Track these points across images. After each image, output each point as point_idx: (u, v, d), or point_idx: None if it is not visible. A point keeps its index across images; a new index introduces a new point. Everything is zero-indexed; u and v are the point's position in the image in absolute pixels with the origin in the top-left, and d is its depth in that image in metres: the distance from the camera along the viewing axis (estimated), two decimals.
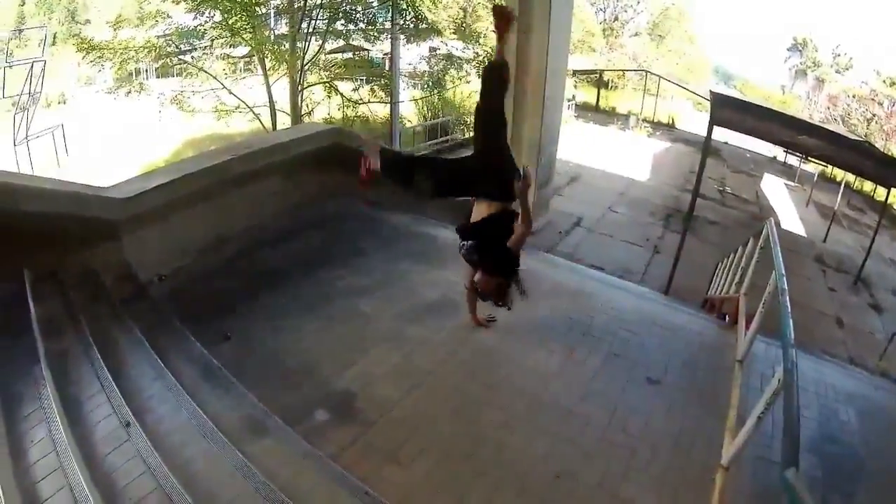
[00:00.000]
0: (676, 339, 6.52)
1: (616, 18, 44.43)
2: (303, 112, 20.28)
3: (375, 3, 21.59)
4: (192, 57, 21.04)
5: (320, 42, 20.63)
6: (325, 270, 7.15)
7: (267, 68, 19.89)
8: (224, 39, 20.02)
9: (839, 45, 45.42)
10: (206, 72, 19.94)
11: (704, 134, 11.23)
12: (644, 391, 5.51)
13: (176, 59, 20.52)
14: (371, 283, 6.94)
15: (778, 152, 24.96)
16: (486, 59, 22.06)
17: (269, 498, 3.61)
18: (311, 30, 20.05)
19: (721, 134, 14.74)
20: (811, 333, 10.85)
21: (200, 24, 19.51)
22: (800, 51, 48.28)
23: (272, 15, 23.30)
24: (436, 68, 24.32)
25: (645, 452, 4.68)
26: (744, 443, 3.89)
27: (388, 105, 21.88)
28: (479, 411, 5.05)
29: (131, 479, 3.66)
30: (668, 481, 4.42)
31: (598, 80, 31.58)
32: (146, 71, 25.74)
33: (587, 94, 30.57)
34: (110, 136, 25.07)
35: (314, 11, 19.88)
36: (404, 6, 20.81)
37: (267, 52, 19.63)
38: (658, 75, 28.75)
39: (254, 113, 19.90)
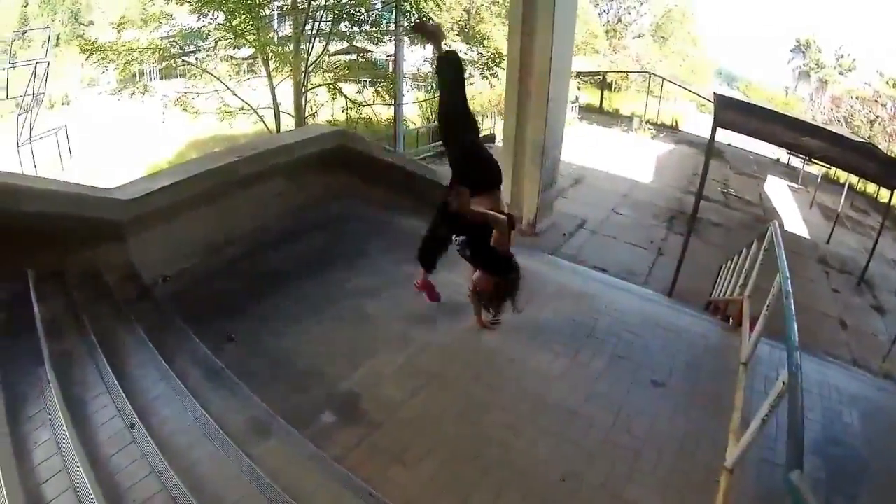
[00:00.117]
0: (680, 342, 6.53)
1: (619, 20, 44.40)
2: (307, 114, 20.28)
3: (379, 5, 21.58)
4: (196, 58, 21.07)
5: (324, 44, 20.62)
6: (329, 272, 7.16)
7: (271, 70, 19.92)
8: (228, 41, 20.04)
9: (842, 47, 45.35)
10: (209, 73, 19.98)
11: (708, 136, 11.21)
12: (648, 393, 5.52)
13: (180, 60, 20.51)
14: (376, 285, 6.94)
15: (781, 154, 24.95)
16: (489, 60, 22.09)
17: (275, 500, 3.62)
18: (314, 31, 20.06)
19: (724, 136, 14.73)
20: (814, 335, 10.83)
21: (204, 26, 19.53)
22: (803, 52, 48.20)
23: (276, 16, 23.32)
24: None
25: (649, 454, 4.69)
26: (748, 445, 3.90)
27: (392, 107, 21.90)
28: (484, 413, 5.06)
29: (136, 480, 3.68)
30: (672, 483, 4.43)
31: (601, 81, 31.62)
32: (150, 72, 25.77)
33: (591, 96, 30.58)
34: (114, 138, 25.11)
35: (318, 13, 19.90)
36: (408, 8, 20.83)
37: (271, 54, 19.66)
38: (661, 77, 28.76)
39: (258, 115, 19.93)
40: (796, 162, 23.94)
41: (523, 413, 5.09)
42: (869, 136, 29.41)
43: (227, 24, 19.12)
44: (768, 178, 22.59)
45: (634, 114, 27.14)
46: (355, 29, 21.30)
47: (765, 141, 14.99)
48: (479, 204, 5.17)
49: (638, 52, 40.73)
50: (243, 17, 18.88)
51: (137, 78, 21.86)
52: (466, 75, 23.07)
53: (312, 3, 19.63)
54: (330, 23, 20.26)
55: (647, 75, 30.09)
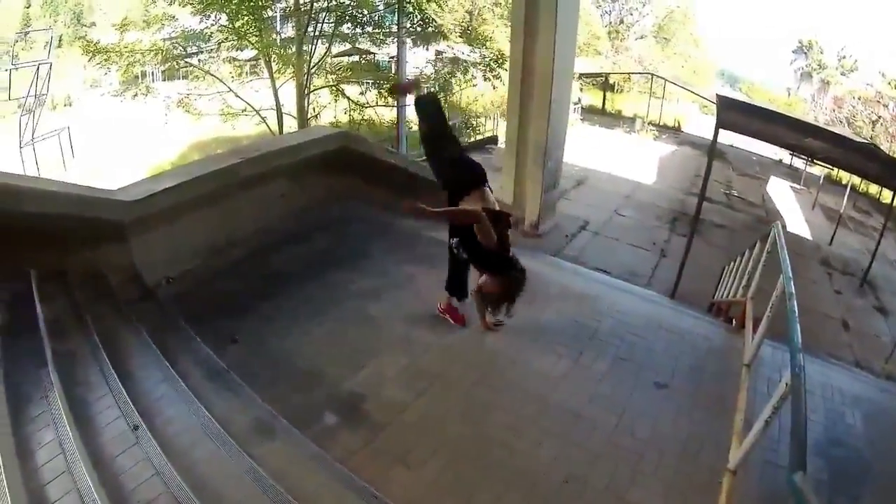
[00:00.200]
0: (683, 343, 6.53)
1: (621, 21, 44.48)
2: (309, 115, 20.32)
3: (382, 7, 21.58)
4: (199, 60, 21.10)
5: (327, 45, 20.63)
6: (332, 273, 7.16)
7: (273, 71, 19.94)
8: (230, 42, 20.06)
9: (844, 48, 45.44)
10: (212, 75, 20.01)
11: (710, 137, 11.22)
12: (651, 395, 5.51)
13: (182, 62, 20.53)
14: (379, 287, 6.94)
15: (784, 155, 25.01)
16: (491, 62, 22.10)
17: (277, 501, 3.63)
18: (317, 33, 20.08)
19: (727, 137, 14.74)
20: (817, 336, 10.83)
21: (207, 28, 19.55)
22: (805, 53, 48.28)
23: (278, 18, 23.35)
24: (442, 72, 24.31)
25: (652, 456, 4.69)
26: (751, 447, 3.90)
27: (395, 109, 21.91)
28: (487, 415, 5.05)
29: (140, 481, 3.68)
30: (675, 485, 4.42)
31: (603, 83, 31.68)
32: (152, 74, 25.78)
33: (593, 98, 30.65)
34: (116, 139, 25.13)
35: (321, 14, 19.91)
36: (411, 10, 20.83)
37: (273, 56, 19.69)
38: (663, 78, 28.85)
39: (260, 116, 19.98)
40: (799, 163, 24.03)
41: (526, 415, 5.08)
42: (871, 137, 29.43)
43: (230, 26, 19.14)
44: (771, 180, 22.62)
45: (637, 115, 27.23)
46: (358, 30, 21.31)
47: (767, 142, 14.98)
48: (469, 202, 5.39)
49: (640, 53, 40.84)
50: (246, 18, 18.91)
51: (140, 79, 21.93)
52: (469, 77, 23.21)
53: (315, 4, 19.64)
54: (332, 24, 20.26)
55: (650, 76, 30.20)
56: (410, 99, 6.61)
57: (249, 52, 21.69)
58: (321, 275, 7.09)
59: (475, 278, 5.88)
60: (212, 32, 19.78)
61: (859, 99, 36.20)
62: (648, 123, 26.15)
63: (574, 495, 4.27)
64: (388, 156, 9.65)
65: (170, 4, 19.13)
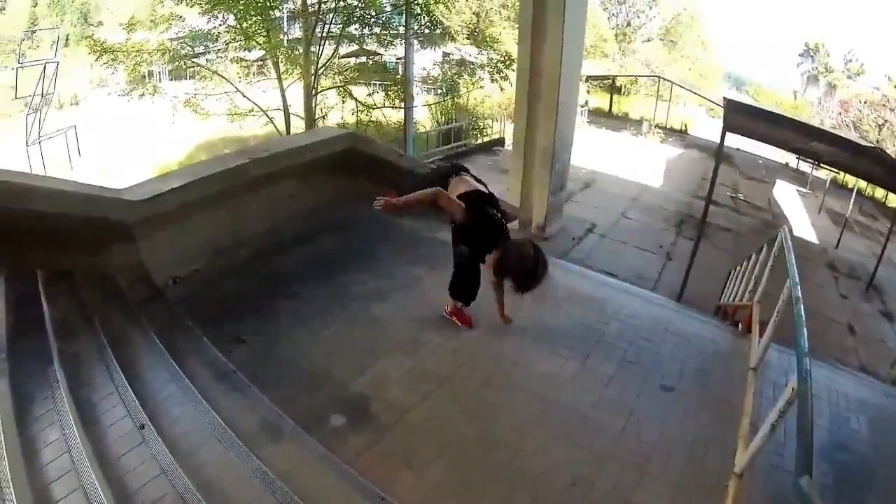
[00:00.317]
0: (690, 347, 6.53)
1: (629, 24, 44.47)
2: (316, 116, 20.33)
3: (389, 8, 21.60)
4: (206, 60, 21.12)
5: (334, 46, 20.66)
6: (339, 275, 7.16)
7: (281, 72, 19.95)
8: (238, 43, 20.08)
9: (851, 51, 45.38)
10: (219, 75, 20.02)
11: (717, 140, 11.22)
12: (658, 398, 5.52)
13: (189, 62, 20.54)
14: (386, 288, 6.95)
15: (790, 158, 24.98)
16: (499, 63, 22.07)
17: (284, 502, 3.63)
18: (324, 34, 20.10)
19: (733, 140, 14.75)
20: (823, 341, 10.80)
21: (214, 28, 19.57)
22: (812, 56, 48.20)
23: (286, 19, 23.38)
24: (449, 73, 24.30)
25: (659, 459, 4.71)
26: (757, 450, 3.90)
27: (402, 110, 21.94)
28: (494, 417, 5.07)
29: (146, 481, 3.69)
30: (681, 488, 4.44)
31: (610, 85, 31.59)
32: (159, 73, 25.84)
33: (600, 100, 30.59)
34: (123, 138, 25.20)
35: (328, 16, 19.93)
36: (418, 11, 20.85)
37: (281, 56, 19.71)
38: (670, 81, 28.76)
39: (268, 116, 19.99)
40: (805, 166, 23.97)
41: (532, 417, 5.10)
42: (877, 141, 29.32)
43: (238, 27, 19.18)
44: (777, 183, 22.58)
45: (643, 118, 27.15)
46: (365, 32, 21.32)
47: (774, 145, 14.97)
48: (454, 188, 5.51)
49: (647, 55, 40.83)
50: (254, 19, 18.94)
51: (147, 79, 21.89)
52: (476, 78, 23.26)
53: (322, 5, 19.66)
54: (340, 25, 20.29)
55: (657, 79, 30.14)
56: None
57: (257, 53, 21.70)
58: (328, 276, 7.11)
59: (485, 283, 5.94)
60: (219, 33, 19.78)
61: (866, 103, 36.16)
62: (655, 126, 26.11)
63: (580, 498, 4.29)
64: (396, 157, 9.66)
65: (177, 4, 19.15)
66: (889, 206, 22.30)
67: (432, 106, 25.58)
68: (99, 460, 3.74)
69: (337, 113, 21.66)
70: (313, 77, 19.79)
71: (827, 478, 4.77)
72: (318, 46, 19.92)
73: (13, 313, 5.17)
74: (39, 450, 3.82)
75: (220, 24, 19.43)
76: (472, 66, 23.59)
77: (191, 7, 18.86)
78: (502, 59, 22.00)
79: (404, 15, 21.21)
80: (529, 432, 4.90)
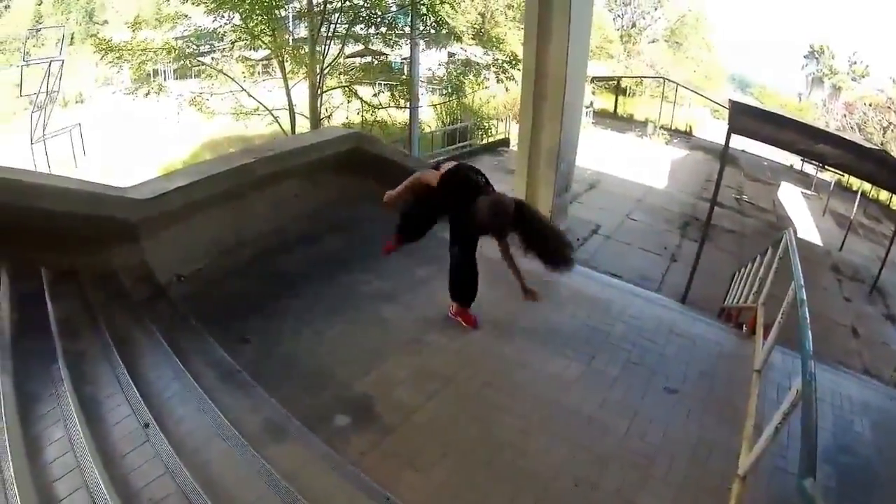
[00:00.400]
0: (694, 349, 6.53)
1: (634, 25, 44.49)
2: (322, 116, 20.32)
3: (395, 8, 21.60)
4: (212, 59, 21.13)
5: (340, 46, 20.64)
6: (344, 274, 7.16)
7: (286, 72, 19.96)
8: (243, 42, 20.08)
9: (856, 53, 45.37)
10: (225, 74, 20.02)
11: (722, 142, 11.22)
12: (662, 400, 5.52)
13: (195, 60, 20.57)
14: (390, 289, 6.95)
15: (795, 161, 24.94)
16: (504, 63, 22.05)
17: (289, 501, 3.63)
18: (330, 34, 20.10)
19: (738, 142, 14.73)
20: (826, 343, 10.80)
21: (220, 27, 19.60)
22: (816, 58, 48.18)
23: (291, 18, 23.39)
24: (455, 73, 24.28)
25: (663, 461, 4.71)
26: (761, 452, 3.91)
27: (407, 110, 21.96)
28: (498, 418, 5.07)
29: (150, 479, 3.69)
30: (685, 490, 4.44)
31: (615, 86, 31.56)
32: (164, 72, 25.87)
33: (605, 101, 30.54)
34: (128, 137, 25.22)
35: (333, 15, 19.92)
36: (424, 11, 20.83)
37: (286, 56, 19.72)
38: (675, 82, 28.72)
39: (273, 116, 19.98)
40: (809, 169, 23.92)
41: (537, 418, 5.10)
42: (882, 143, 29.35)
43: (243, 26, 19.19)
44: (782, 185, 22.57)
45: (649, 119, 27.13)
46: (371, 31, 21.29)
47: (778, 147, 14.97)
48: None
49: (652, 57, 40.81)
50: (259, 18, 18.95)
51: (152, 77, 21.91)
52: (481, 79, 23.25)
53: (328, 5, 19.66)
54: (345, 25, 20.28)
55: (662, 80, 30.05)
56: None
57: (262, 52, 21.71)
58: (333, 276, 7.10)
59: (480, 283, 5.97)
60: (225, 32, 19.81)
61: (870, 105, 36.14)
62: (660, 127, 26.06)
63: (583, 499, 4.29)
64: (402, 157, 9.65)
65: (183, 3, 19.19)
66: (893, 208, 22.29)
67: (437, 106, 25.57)
68: (103, 458, 3.74)
69: (342, 112, 21.64)
70: (319, 77, 19.78)
71: (830, 480, 4.77)
72: (323, 46, 19.88)
73: (17, 312, 5.18)
74: (43, 447, 3.83)
75: (225, 24, 19.45)
76: (477, 67, 23.54)
77: (196, 6, 18.89)
78: (508, 59, 21.97)
79: (410, 15, 21.18)
80: (534, 433, 4.91)
